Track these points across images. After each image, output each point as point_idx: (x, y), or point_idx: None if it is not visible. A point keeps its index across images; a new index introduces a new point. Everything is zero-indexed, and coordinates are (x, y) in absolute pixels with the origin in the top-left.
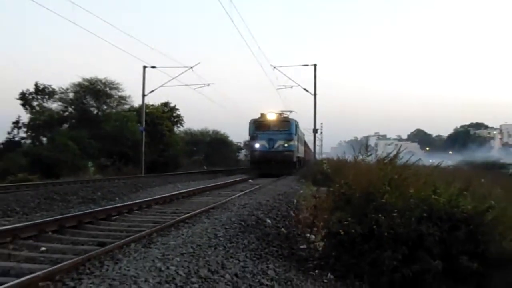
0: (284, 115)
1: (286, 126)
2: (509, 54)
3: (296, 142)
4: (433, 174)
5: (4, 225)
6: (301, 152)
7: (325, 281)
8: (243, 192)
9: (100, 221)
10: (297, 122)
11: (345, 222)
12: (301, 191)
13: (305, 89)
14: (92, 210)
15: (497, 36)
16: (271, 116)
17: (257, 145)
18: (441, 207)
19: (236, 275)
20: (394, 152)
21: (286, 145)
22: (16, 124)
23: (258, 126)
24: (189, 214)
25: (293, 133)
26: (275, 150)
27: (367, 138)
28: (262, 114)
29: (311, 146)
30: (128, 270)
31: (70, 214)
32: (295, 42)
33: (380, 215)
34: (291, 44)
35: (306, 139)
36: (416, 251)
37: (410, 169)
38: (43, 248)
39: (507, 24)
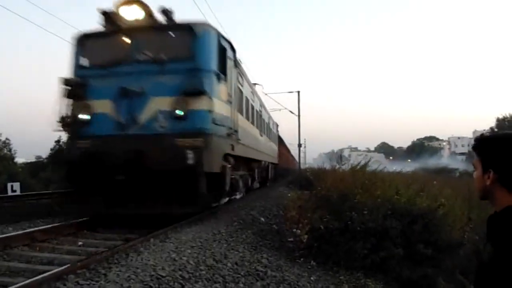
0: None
1: (182, 46)
2: (455, 76)
3: (224, 101)
4: (395, 179)
5: (49, 223)
6: (264, 147)
7: (309, 267)
8: (239, 197)
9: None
10: (230, 44)
11: (324, 219)
12: (289, 195)
13: (290, 111)
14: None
15: (445, 60)
16: (131, 13)
17: (84, 118)
18: (402, 205)
19: (236, 263)
20: (363, 162)
21: (180, 111)
22: (57, 142)
23: (91, 53)
24: (197, 215)
25: (208, 70)
26: (144, 134)
27: (341, 150)
28: (106, 14)
29: (295, 158)
30: (148, 260)
31: None
32: (282, 71)
33: (353, 212)
34: (279, 73)
35: (290, 149)
36: (382, 241)
37: (377, 175)
38: (80, 243)
39: (455, 50)
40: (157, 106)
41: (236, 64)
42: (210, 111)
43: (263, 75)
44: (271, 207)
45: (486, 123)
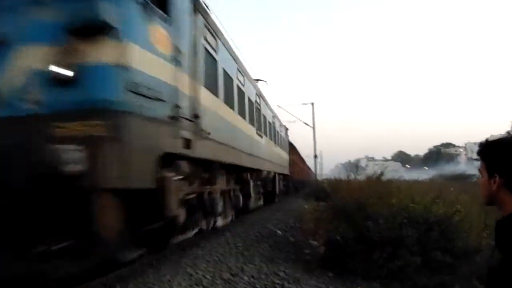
0: None
1: None
2: (470, 81)
3: (164, 55)
4: (412, 187)
5: None
6: (266, 152)
7: (327, 278)
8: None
9: None
10: None
11: (340, 229)
12: (306, 207)
13: (305, 123)
14: None
15: (461, 66)
16: None
17: None
18: (417, 213)
19: (253, 276)
20: (379, 171)
21: (63, 68)
22: None
23: None
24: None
25: None
26: (5, 118)
27: (358, 160)
28: None
29: (312, 169)
30: (165, 275)
31: None
32: (296, 84)
33: (369, 222)
34: (293, 86)
35: (306, 161)
36: (399, 250)
37: (393, 184)
38: None
39: (470, 55)
40: (27, 62)
41: (198, 8)
42: (122, 67)
43: (277, 88)
44: (287, 219)
45: (502, 127)
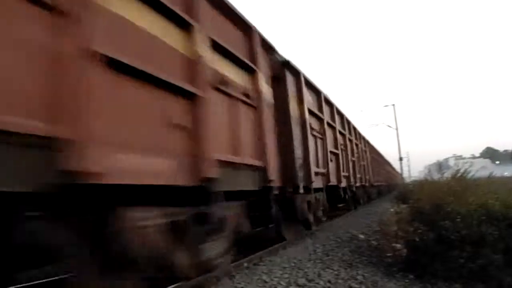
0: None
1: None
2: None
3: None
4: (494, 183)
5: None
6: None
7: (407, 281)
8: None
9: None
10: None
11: (419, 231)
12: (392, 209)
13: (388, 126)
14: None
15: None
16: None
17: None
18: (497, 210)
19: (329, 281)
20: (462, 170)
21: None
22: None
23: None
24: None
25: None
26: None
27: (447, 160)
28: None
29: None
30: (239, 283)
31: None
32: (376, 87)
33: (446, 221)
34: (373, 89)
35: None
36: (479, 248)
37: (471, 182)
38: None
39: None
40: None
41: None
42: None
43: (358, 93)
44: (371, 223)
45: None
